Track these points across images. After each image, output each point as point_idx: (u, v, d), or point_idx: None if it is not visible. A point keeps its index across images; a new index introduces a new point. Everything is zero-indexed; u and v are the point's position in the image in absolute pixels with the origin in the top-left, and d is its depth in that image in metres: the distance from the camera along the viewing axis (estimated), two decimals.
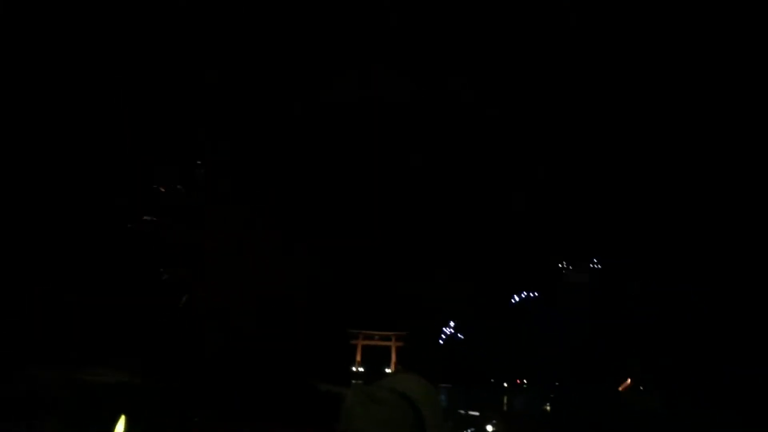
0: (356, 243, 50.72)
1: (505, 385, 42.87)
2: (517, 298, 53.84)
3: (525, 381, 44.99)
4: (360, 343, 48.67)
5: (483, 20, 49.21)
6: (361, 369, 47.47)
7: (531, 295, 54.34)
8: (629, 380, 42.54)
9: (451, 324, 50.37)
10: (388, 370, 47.19)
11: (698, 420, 32.16)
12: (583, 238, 53.52)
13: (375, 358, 47.64)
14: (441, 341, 48.13)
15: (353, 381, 41.33)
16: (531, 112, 52.12)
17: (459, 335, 48.76)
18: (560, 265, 53.85)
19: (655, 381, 40.04)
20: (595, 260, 53.05)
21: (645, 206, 50.44)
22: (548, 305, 52.17)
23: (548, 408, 34.76)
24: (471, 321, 49.35)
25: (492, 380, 43.88)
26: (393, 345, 48.77)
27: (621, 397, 38.27)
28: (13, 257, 24.72)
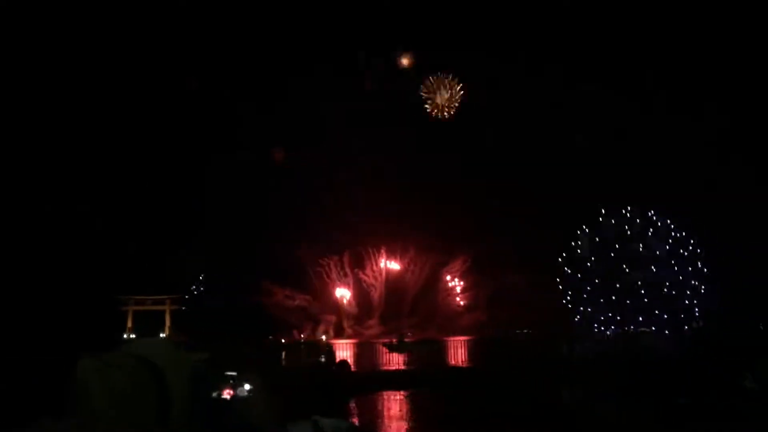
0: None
1: (283, 341, 44.01)
2: None
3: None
4: (131, 309, 46.96)
5: None
6: (133, 336, 45.56)
7: None
8: None
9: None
10: (162, 335, 45.93)
11: None
12: None
13: (149, 324, 45.76)
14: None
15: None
16: None
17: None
18: None
19: None
20: None
21: None
22: None
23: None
24: None
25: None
26: (167, 309, 47.31)
27: None
28: None
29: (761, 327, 34.66)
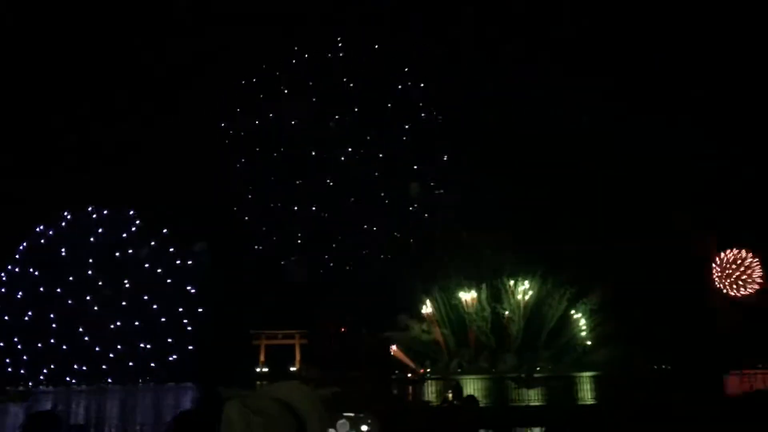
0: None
1: (409, 375, 44.67)
2: None
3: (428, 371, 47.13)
4: (263, 342, 49.51)
5: None
6: (265, 369, 48.09)
7: None
8: None
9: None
10: (293, 369, 48.15)
11: None
12: None
13: (279, 357, 48.28)
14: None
15: (257, 382, 42.12)
16: None
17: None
18: None
19: None
20: None
21: None
22: None
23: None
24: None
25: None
26: (297, 343, 49.61)
27: None
28: None
29: None
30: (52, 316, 52.16)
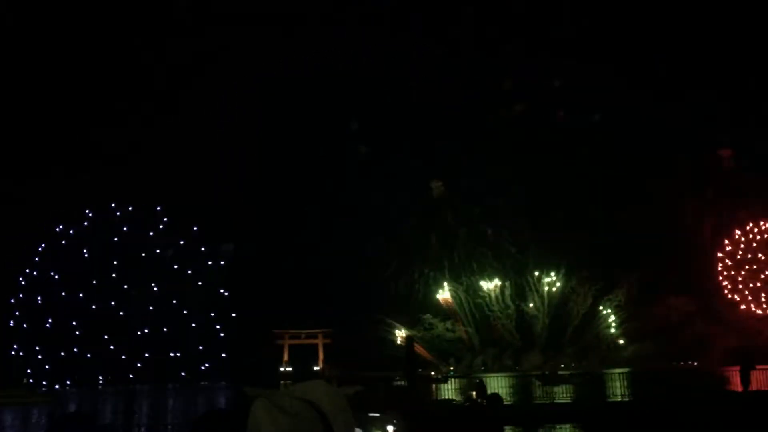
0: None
1: (433, 374, 44.61)
2: None
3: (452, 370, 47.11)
4: (286, 342, 49.81)
5: None
6: (289, 368, 48.29)
7: None
8: None
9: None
10: (316, 368, 48.34)
11: None
12: None
13: (302, 357, 48.49)
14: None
15: (281, 381, 42.32)
16: None
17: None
18: None
19: None
20: None
21: None
22: None
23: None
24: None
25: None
26: (320, 342, 49.81)
27: None
28: None
29: None
30: (74, 323, 51.85)
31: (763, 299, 46.41)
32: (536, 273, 51.24)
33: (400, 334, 47.72)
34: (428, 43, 56.99)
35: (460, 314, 52.20)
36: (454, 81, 56.50)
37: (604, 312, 48.60)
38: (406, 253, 53.27)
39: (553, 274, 50.79)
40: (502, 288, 52.04)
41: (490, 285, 51.98)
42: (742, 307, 46.42)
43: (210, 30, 55.47)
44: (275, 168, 55.62)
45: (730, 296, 47.01)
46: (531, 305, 50.95)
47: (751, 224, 48.61)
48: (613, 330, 48.31)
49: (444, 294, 52.03)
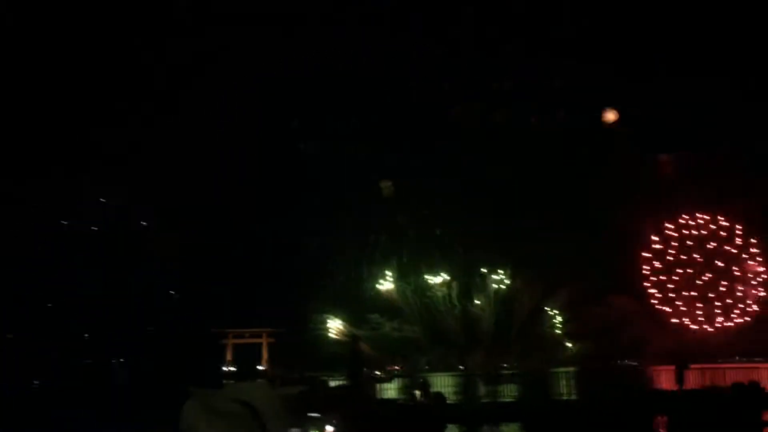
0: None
1: (377, 373, 44.65)
2: None
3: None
4: (230, 342, 48.87)
5: None
6: (232, 368, 47.72)
7: None
8: None
9: None
10: (260, 367, 47.85)
11: None
12: None
13: (246, 357, 47.94)
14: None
15: (224, 381, 41.79)
16: None
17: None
18: None
19: None
20: None
21: None
22: None
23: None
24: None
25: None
26: (264, 342, 49.26)
27: None
28: None
29: None
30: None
31: (698, 311, 44.87)
32: (483, 271, 51.70)
33: (344, 332, 47.63)
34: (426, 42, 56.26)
35: (407, 313, 52.35)
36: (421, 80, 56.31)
37: (549, 312, 49.28)
38: (354, 253, 53.16)
39: (501, 273, 51.33)
40: (449, 288, 52.34)
41: (437, 284, 52.23)
42: (674, 320, 44.80)
43: (210, 30, 54.50)
44: (225, 164, 54.86)
45: (658, 305, 45.31)
46: (477, 303, 51.38)
47: (686, 219, 47.02)
48: (557, 330, 49.00)
49: (392, 293, 52.04)
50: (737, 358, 41.63)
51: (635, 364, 41.16)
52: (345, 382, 35.97)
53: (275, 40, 56.14)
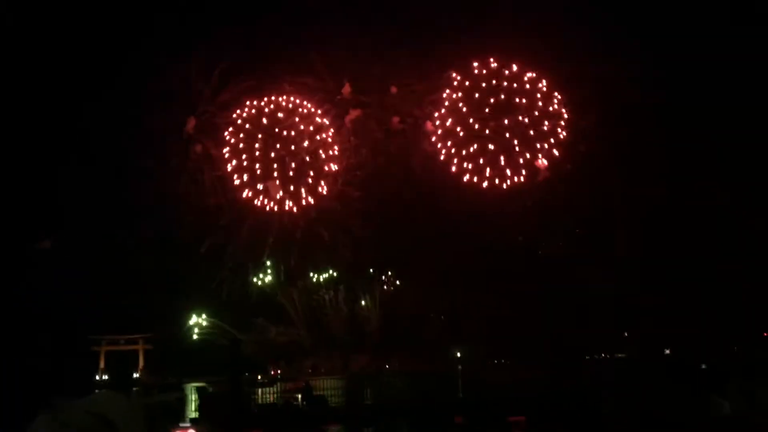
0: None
1: (259, 378, 44.22)
2: None
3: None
4: (104, 348, 47.18)
5: None
6: (105, 377, 45.95)
7: None
8: None
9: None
10: (136, 375, 46.22)
11: None
12: None
13: (121, 364, 46.29)
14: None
15: (96, 390, 40.03)
16: None
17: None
18: None
19: None
20: None
21: None
22: None
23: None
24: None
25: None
26: (141, 348, 47.72)
27: None
28: None
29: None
30: None
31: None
32: (370, 273, 52.19)
33: (226, 337, 46.88)
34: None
35: (293, 317, 52.13)
36: None
37: (431, 315, 50.37)
38: (239, 256, 52.22)
39: (385, 278, 52.01)
40: (336, 290, 52.56)
41: (323, 287, 52.33)
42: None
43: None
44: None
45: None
46: (363, 303, 51.83)
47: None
48: (440, 331, 50.11)
49: (278, 296, 51.77)
50: None
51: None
52: (222, 389, 35.25)
53: None
